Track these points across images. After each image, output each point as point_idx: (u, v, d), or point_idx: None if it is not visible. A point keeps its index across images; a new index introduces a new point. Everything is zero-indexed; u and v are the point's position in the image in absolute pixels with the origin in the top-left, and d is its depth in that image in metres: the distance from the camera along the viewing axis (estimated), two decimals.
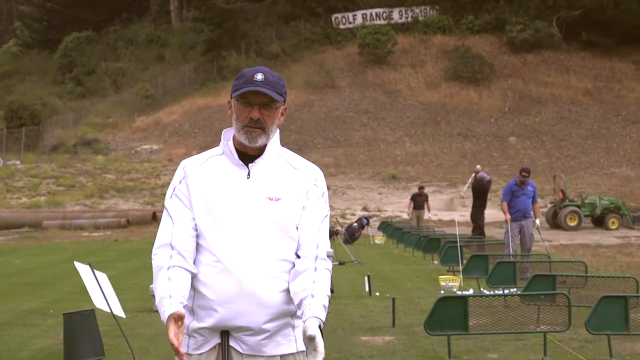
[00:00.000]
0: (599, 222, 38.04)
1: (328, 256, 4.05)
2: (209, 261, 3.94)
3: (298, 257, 3.98)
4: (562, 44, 66.15)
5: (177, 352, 3.71)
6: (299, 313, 3.90)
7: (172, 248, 3.97)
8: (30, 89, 72.17)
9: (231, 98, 4.04)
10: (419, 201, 34.64)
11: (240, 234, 3.92)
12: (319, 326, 3.70)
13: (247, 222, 3.93)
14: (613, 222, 37.48)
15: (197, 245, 4.00)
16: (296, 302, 3.88)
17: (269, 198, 3.95)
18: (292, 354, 4.01)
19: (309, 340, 3.67)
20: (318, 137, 59.83)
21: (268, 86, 3.93)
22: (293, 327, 4.01)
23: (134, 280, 19.95)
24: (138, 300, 16.30)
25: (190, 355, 4.04)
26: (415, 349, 11.21)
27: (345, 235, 30.97)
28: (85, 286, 10.40)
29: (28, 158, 57.03)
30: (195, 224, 3.99)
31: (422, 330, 10.50)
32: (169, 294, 3.83)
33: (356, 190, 49.93)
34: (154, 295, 3.99)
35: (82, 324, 10.09)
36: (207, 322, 3.95)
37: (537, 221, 20.74)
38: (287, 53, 70.64)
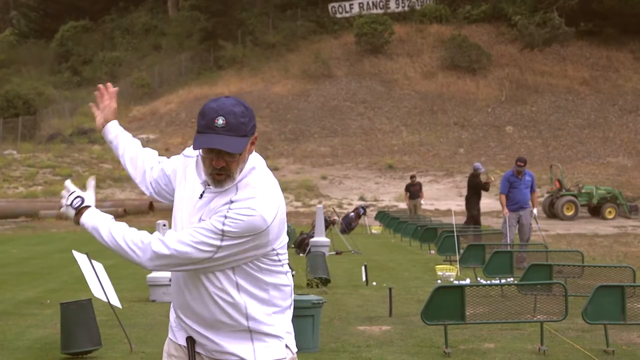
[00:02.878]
0: (596, 211, 38.07)
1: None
2: None
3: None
4: (568, 36, 65.89)
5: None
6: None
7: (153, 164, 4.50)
8: (26, 79, 72.00)
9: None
10: (413, 191, 34.77)
11: None
12: (79, 200, 4.10)
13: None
14: (610, 212, 37.52)
15: None
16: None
17: (202, 219, 3.98)
18: None
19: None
20: (315, 127, 59.79)
21: (229, 133, 3.81)
22: (252, 340, 4.08)
23: (131, 270, 19.87)
24: (135, 290, 16.31)
25: (171, 340, 4.24)
26: (412, 339, 11.23)
27: (342, 224, 31.00)
28: (83, 275, 10.42)
29: (24, 148, 56.97)
30: (162, 174, 4.41)
31: (419, 320, 10.52)
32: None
33: (353, 180, 49.94)
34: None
35: (79, 314, 10.09)
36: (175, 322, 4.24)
37: (535, 211, 20.73)
38: (283, 42, 70.52)
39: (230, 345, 4.04)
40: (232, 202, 3.91)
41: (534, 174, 20.85)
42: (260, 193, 3.93)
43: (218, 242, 3.86)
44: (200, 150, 3.93)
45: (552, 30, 64.11)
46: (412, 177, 36.10)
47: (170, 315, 4.25)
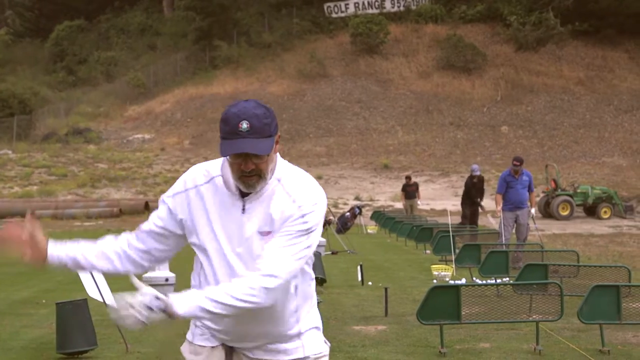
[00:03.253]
0: (591, 211, 38.08)
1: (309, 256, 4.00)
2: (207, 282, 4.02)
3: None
4: (564, 36, 65.90)
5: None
6: None
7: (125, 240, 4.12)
8: (21, 78, 71.89)
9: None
10: (409, 191, 34.87)
11: (232, 269, 3.91)
12: (164, 306, 3.66)
13: (240, 258, 3.91)
14: (605, 212, 37.52)
15: (200, 270, 4.06)
16: None
17: (260, 232, 3.87)
18: (303, 358, 4.10)
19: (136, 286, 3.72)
20: (310, 127, 59.78)
21: (254, 135, 3.76)
22: (300, 336, 4.07)
23: None
24: (130, 289, 16.23)
25: (192, 344, 4.13)
26: (408, 338, 11.21)
27: (338, 224, 31.00)
28: (78, 275, 10.38)
29: (20, 147, 56.90)
30: (148, 236, 4.07)
31: (415, 320, 10.49)
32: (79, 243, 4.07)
33: (348, 180, 49.93)
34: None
35: (74, 314, 10.07)
36: (210, 340, 4.10)
37: (533, 210, 20.72)
38: (278, 42, 70.53)
39: (280, 345, 4.04)
40: (291, 197, 3.88)
41: (531, 174, 20.82)
42: (296, 171, 4.00)
43: (309, 241, 3.87)
44: (228, 157, 3.86)
45: (547, 30, 64.16)
46: (408, 177, 36.29)
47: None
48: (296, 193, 3.89)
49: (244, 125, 3.76)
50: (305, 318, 4.07)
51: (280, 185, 3.92)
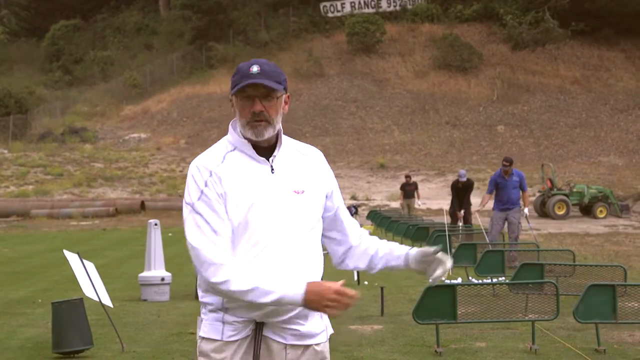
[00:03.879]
0: (587, 210, 38.09)
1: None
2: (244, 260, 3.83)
3: (344, 243, 4.26)
4: (561, 36, 65.82)
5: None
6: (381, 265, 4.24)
7: (230, 263, 3.80)
8: (17, 77, 71.85)
9: (231, 95, 3.92)
10: (408, 190, 34.87)
11: (274, 231, 3.83)
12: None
13: (280, 218, 3.85)
14: (601, 211, 37.53)
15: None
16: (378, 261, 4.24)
17: (295, 192, 3.90)
18: (325, 342, 4.07)
19: (434, 254, 4.07)
20: (306, 126, 59.78)
21: (265, 77, 3.83)
22: (321, 316, 4.00)
23: (122, 269, 19.93)
24: (126, 289, 16.27)
25: (225, 342, 3.92)
26: (404, 338, 11.22)
27: None
28: (74, 275, 10.40)
29: (16, 147, 56.84)
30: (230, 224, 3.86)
31: (411, 319, 10.49)
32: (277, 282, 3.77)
33: (345, 179, 49.92)
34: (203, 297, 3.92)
35: (70, 313, 10.07)
36: (245, 316, 3.89)
37: (526, 210, 20.72)
38: (275, 41, 70.49)
39: (308, 324, 3.94)
40: (324, 163, 4.13)
41: (523, 174, 20.80)
42: (304, 144, 4.16)
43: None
44: (238, 100, 3.89)
45: (546, 32, 64.17)
46: (407, 176, 36.29)
47: (214, 314, 3.92)
48: (309, 153, 4.08)
49: (255, 68, 3.86)
50: None
51: (292, 147, 4.05)
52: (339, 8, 72.34)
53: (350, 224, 4.22)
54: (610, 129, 58.46)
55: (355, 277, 16.84)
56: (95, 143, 58.88)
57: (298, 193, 3.90)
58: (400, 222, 29.18)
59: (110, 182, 48.48)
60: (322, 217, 4.07)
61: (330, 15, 72.48)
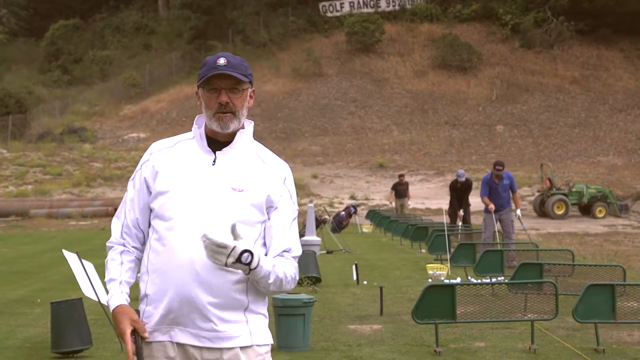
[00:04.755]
0: (586, 210, 38.05)
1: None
2: (161, 248, 3.88)
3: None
4: (570, 38, 65.61)
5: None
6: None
7: (124, 245, 4.04)
8: (16, 77, 71.78)
9: (198, 88, 3.97)
10: (400, 190, 34.90)
11: (198, 222, 3.82)
12: (249, 255, 3.70)
13: (208, 210, 3.84)
14: (600, 211, 37.49)
15: (151, 227, 3.97)
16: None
17: (232, 188, 3.87)
18: (249, 346, 3.90)
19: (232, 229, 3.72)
20: (306, 126, 59.76)
21: (232, 69, 3.87)
22: (246, 321, 3.89)
23: None
24: None
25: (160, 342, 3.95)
26: (403, 337, 11.21)
27: (333, 223, 31.00)
28: (73, 274, 10.37)
29: (14, 146, 56.79)
30: (149, 211, 3.98)
31: (410, 319, 10.50)
32: (119, 279, 4.00)
33: (344, 179, 49.90)
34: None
35: (69, 313, 10.05)
36: (158, 310, 3.90)
37: (518, 211, 20.76)
38: (274, 41, 70.47)
39: (228, 326, 3.85)
40: (284, 177, 4.01)
41: (512, 175, 20.80)
42: (275, 155, 4.10)
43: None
44: (205, 92, 3.93)
45: (558, 35, 64.05)
46: (401, 176, 36.36)
47: (148, 315, 3.96)
48: (272, 163, 4.00)
49: (222, 60, 3.90)
50: (255, 295, 3.90)
51: (252, 150, 4.00)
52: (338, 8, 72.30)
53: (276, 241, 3.95)
54: (609, 128, 58.45)
55: (355, 277, 16.83)
56: (94, 143, 58.85)
57: (235, 190, 3.87)
58: (399, 221, 29.21)
59: (109, 182, 48.44)
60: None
61: (329, 14, 72.46)
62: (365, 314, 13.15)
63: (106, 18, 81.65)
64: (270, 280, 3.80)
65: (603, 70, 65.04)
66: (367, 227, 33.83)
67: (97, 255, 21.82)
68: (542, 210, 37.82)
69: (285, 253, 3.92)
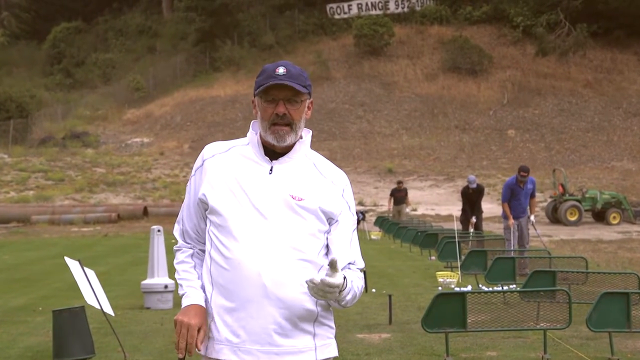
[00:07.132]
0: (600, 216, 37.82)
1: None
2: (224, 262, 3.80)
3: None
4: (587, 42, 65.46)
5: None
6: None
7: (192, 248, 4.03)
8: (18, 81, 71.86)
9: (254, 96, 3.88)
10: (398, 196, 34.80)
11: (262, 234, 3.75)
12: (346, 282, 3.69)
13: (270, 221, 3.76)
14: (614, 217, 37.24)
15: (208, 237, 3.90)
16: None
17: (292, 196, 3.79)
18: None
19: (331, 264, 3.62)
20: (313, 130, 58.45)
21: (291, 79, 3.79)
22: (314, 335, 3.86)
23: (125, 276, 19.77)
24: (129, 297, 16.08)
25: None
26: (413, 347, 11.11)
27: None
28: (75, 282, 10.30)
29: (16, 151, 56.77)
30: (206, 218, 3.92)
31: (420, 328, 10.38)
32: (198, 283, 3.92)
33: (352, 185, 49.59)
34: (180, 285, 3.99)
35: (72, 321, 10.05)
36: (224, 327, 3.82)
37: (533, 217, 20.63)
38: (281, 44, 70.44)
39: (295, 341, 3.82)
40: (343, 190, 4.01)
41: (535, 180, 20.74)
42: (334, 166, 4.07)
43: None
44: (261, 102, 3.83)
45: (576, 42, 63.89)
46: (399, 182, 36.24)
47: (220, 332, 3.84)
48: (331, 175, 3.98)
49: (281, 70, 3.82)
50: (324, 305, 3.87)
51: (310, 161, 3.93)
52: (346, 10, 72.24)
53: (339, 256, 3.85)
54: (623, 133, 58.20)
55: (363, 285, 16.61)
56: (97, 147, 58.76)
57: (294, 198, 3.78)
58: (408, 228, 29.01)
59: (112, 188, 48.33)
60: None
61: (337, 17, 72.41)
62: (374, 323, 13.04)
63: (109, 20, 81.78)
64: (349, 297, 3.80)
65: (617, 73, 64.82)
66: (375, 234, 33.63)
67: (99, 262, 21.73)
68: (554, 216, 37.61)
69: (351, 265, 3.92)
